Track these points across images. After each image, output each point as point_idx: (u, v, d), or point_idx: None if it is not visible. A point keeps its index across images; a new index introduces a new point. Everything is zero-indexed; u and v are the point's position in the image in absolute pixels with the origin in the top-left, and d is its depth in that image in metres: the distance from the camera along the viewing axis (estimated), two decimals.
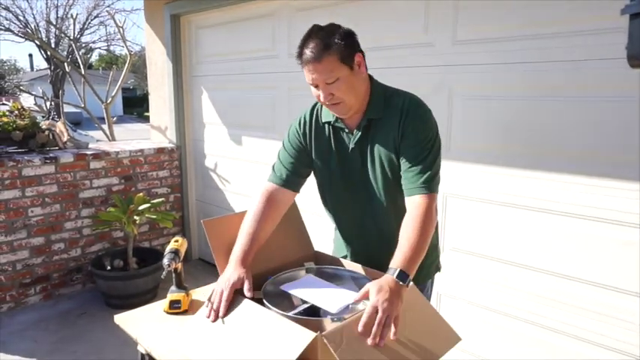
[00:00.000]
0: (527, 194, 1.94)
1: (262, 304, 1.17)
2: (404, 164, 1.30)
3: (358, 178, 1.41)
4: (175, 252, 1.32)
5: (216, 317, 1.14)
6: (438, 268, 1.59)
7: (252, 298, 1.18)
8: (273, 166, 1.49)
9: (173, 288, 1.38)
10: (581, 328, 1.86)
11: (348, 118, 1.37)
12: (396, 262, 1.14)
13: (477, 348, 2.17)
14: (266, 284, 1.29)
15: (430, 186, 1.26)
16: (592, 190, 1.77)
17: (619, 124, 1.68)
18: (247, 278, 1.22)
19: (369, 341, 1.00)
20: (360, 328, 1.01)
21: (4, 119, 3.05)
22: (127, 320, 1.30)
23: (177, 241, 1.38)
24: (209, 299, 1.18)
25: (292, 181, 1.44)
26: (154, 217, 3.03)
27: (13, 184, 2.87)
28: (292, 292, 1.25)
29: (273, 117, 3.04)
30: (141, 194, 3.10)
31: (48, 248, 3.06)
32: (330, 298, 1.21)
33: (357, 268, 1.39)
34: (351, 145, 1.38)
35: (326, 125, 1.42)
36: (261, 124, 3.14)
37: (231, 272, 1.22)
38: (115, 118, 5.28)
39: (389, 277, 1.11)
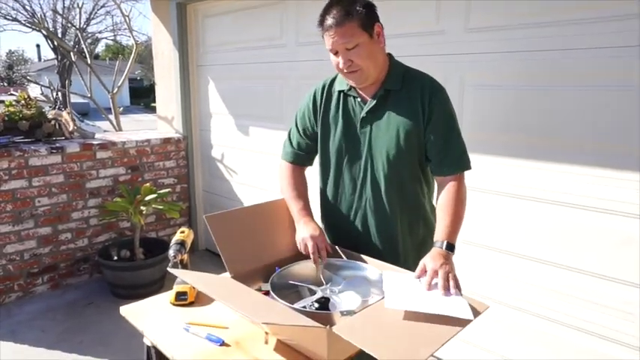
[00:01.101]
0: (533, 185, 1.91)
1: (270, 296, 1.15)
2: (434, 144, 1.34)
3: (363, 151, 1.41)
4: (181, 243, 1.30)
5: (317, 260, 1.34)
6: None
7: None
8: (285, 143, 1.58)
9: (179, 280, 1.36)
10: (581, 319, 1.85)
11: (363, 88, 1.40)
12: (442, 235, 1.26)
13: (477, 339, 2.14)
14: (273, 276, 1.27)
15: (463, 164, 1.36)
16: (597, 181, 1.75)
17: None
18: (323, 233, 1.39)
19: (442, 292, 1.11)
20: (425, 286, 1.14)
21: (11, 109, 3.04)
22: (132, 312, 1.29)
23: (183, 232, 1.36)
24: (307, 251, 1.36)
25: (302, 157, 1.56)
26: (161, 207, 3.02)
27: (20, 174, 2.86)
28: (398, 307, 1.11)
29: (281, 107, 3.00)
30: (147, 184, 3.09)
31: (55, 238, 3.06)
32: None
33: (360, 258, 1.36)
34: (363, 114, 1.39)
35: (338, 94, 1.45)
36: (269, 114, 3.10)
37: (305, 229, 1.38)
38: (121, 109, 5.27)
39: (438, 249, 1.22)
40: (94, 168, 3.19)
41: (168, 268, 1.13)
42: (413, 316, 1.05)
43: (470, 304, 1.10)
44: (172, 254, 1.27)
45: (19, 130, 3.01)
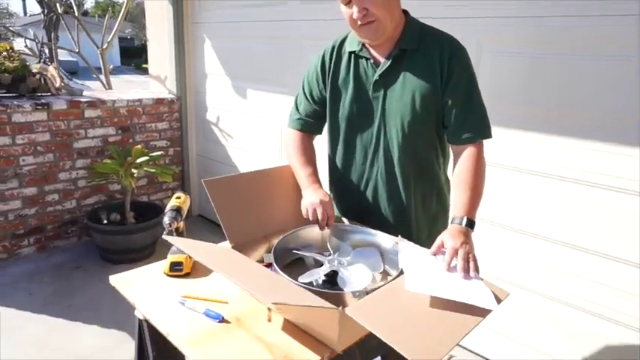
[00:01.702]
0: (539, 159, 1.84)
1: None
2: (452, 108, 1.25)
3: (376, 117, 1.30)
4: (177, 210, 1.19)
5: (325, 227, 1.25)
6: None
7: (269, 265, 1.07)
8: (291, 110, 1.46)
9: (174, 248, 1.26)
10: (582, 298, 1.82)
11: (376, 46, 1.28)
12: (461, 210, 1.17)
13: None
14: (276, 245, 1.16)
15: (483, 131, 1.26)
16: (616, 158, 1.67)
17: None
18: (332, 200, 1.29)
19: (461, 275, 1.03)
20: (445, 267, 1.05)
21: None
22: (123, 282, 1.18)
23: (179, 197, 1.25)
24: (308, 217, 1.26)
25: (310, 125, 1.44)
26: (153, 170, 2.89)
27: (3, 130, 2.70)
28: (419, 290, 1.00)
29: (282, 69, 2.84)
30: (139, 146, 2.95)
31: (41, 199, 2.93)
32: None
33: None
34: (376, 77, 1.27)
35: (349, 56, 1.33)
36: (268, 76, 2.94)
37: (315, 194, 1.27)
38: (111, 67, 5.03)
39: (458, 226, 1.14)
40: (82, 127, 3.02)
41: (163, 236, 1.03)
42: (432, 301, 0.96)
43: (491, 290, 1.01)
44: (167, 221, 1.16)
45: (0, 84, 2.82)
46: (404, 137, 1.27)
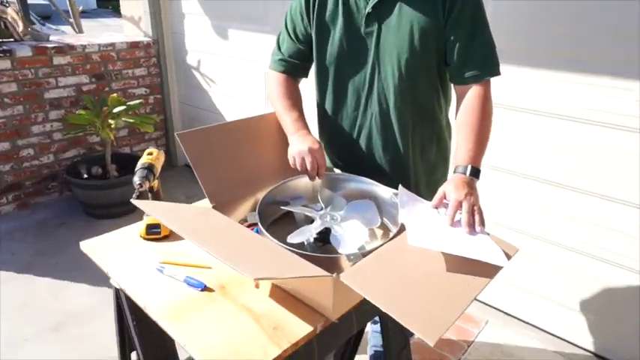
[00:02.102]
0: (535, 97, 1.74)
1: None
2: (456, 42, 1.10)
3: (369, 56, 1.15)
4: (149, 168, 1.06)
5: (315, 177, 1.14)
6: None
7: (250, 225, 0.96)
8: (273, 50, 1.31)
9: None
10: (580, 241, 1.77)
11: None
12: (465, 158, 1.05)
13: None
14: (261, 201, 1.05)
15: (490, 67, 1.12)
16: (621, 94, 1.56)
17: None
18: (322, 147, 1.15)
19: (465, 229, 0.93)
20: (448, 222, 0.95)
21: None
22: (95, 248, 1.08)
23: (151, 154, 1.11)
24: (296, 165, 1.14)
25: (295, 67, 1.28)
26: (132, 120, 2.72)
27: None
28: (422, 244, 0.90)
29: (266, 6, 2.60)
30: (115, 95, 2.75)
31: (15, 154, 2.77)
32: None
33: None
34: (368, 9, 1.11)
35: None
36: (250, 14, 2.70)
37: (303, 141, 1.14)
38: (80, 8, 4.66)
39: (461, 176, 1.03)
40: (51, 75, 2.80)
41: (131, 200, 0.91)
42: (436, 260, 0.86)
43: (499, 245, 0.92)
44: (137, 181, 1.03)
45: None
46: (400, 78, 1.13)
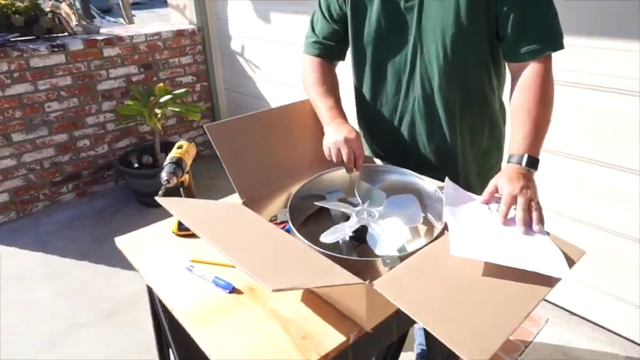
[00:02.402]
0: None
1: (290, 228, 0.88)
2: (510, 14, 0.95)
3: (410, 34, 1.04)
4: (177, 162, 1.02)
5: (352, 169, 1.05)
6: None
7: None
8: (307, 33, 1.23)
9: None
10: (578, 209, 1.69)
11: None
12: (520, 146, 0.93)
13: None
14: (293, 196, 0.99)
15: (552, 41, 0.97)
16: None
17: None
18: (360, 137, 1.06)
19: (520, 229, 0.82)
20: (500, 219, 0.85)
21: (2, 1, 2.68)
22: (129, 244, 1.07)
23: (180, 147, 1.08)
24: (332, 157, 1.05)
25: (330, 49, 1.19)
26: (177, 109, 2.74)
27: (23, 76, 2.60)
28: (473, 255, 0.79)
29: None
30: (161, 84, 2.78)
31: (73, 145, 2.89)
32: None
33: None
34: None
35: None
36: None
37: (338, 130, 1.04)
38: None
39: (516, 166, 0.91)
40: (102, 67, 2.88)
41: (156, 197, 0.87)
42: (484, 269, 0.76)
43: (560, 249, 0.80)
44: (165, 177, 1.00)
45: (14, 27, 2.68)
46: (445, 57, 1.01)
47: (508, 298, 0.71)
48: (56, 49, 2.66)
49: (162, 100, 2.68)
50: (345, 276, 0.72)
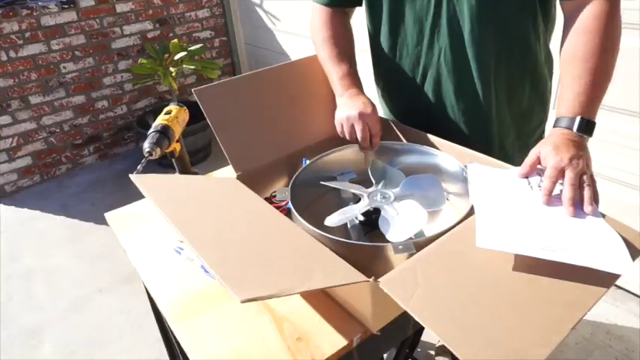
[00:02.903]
0: None
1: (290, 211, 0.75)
2: None
3: None
4: (162, 131, 0.90)
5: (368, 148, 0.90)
6: (540, 139, 1.07)
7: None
8: None
9: (193, 169, 1.01)
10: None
11: None
12: (572, 105, 0.75)
13: None
14: (297, 175, 0.85)
15: None
16: None
17: None
18: (376, 111, 0.90)
19: (567, 211, 0.66)
20: (542, 199, 0.68)
21: None
22: (119, 219, 0.99)
23: (169, 112, 0.95)
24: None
25: None
26: (193, 67, 2.61)
27: (35, 36, 2.51)
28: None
29: None
30: (176, 41, 2.64)
31: (91, 107, 2.83)
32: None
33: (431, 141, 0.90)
34: None
35: None
36: None
37: (352, 104, 0.89)
38: None
39: (565, 131, 0.74)
40: (116, 24, 2.75)
41: (131, 175, 0.76)
42: (518, 263, 0.61)
43: (620, 235, 0.63)
44: (147, 149, 0.88)
45: None
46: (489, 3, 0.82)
47: (549, 304, 0.56)
48: (66, 6, 2.55)
49: (177, 57, 2.55)
50: (344, 272, 0.59)
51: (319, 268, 0.59)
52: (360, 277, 0.59)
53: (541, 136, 1.06)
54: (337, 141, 0.94)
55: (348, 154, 0.93)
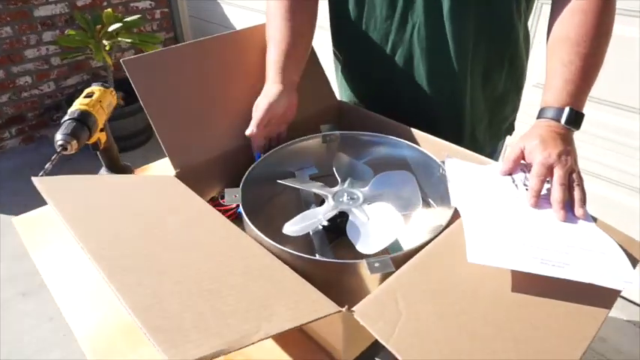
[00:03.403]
0: None
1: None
2: None
3: None
4: (80, 119, 0.73)
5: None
6: (510, 129, 1.01)
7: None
8: None
9: (103, 171, 0.84)
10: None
11: None
12: (560, 95, 0.66)
13: None
14: (250, 172, 0.72)
15: None
16: None
17: None
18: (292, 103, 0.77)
19: (558, 215, 0.58)
20: (530, 200, 0.60)
21: None
22: (28, 225, 0.81)
23: (90, 95, 0.77)
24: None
25: None
26: (129, 40, 2.35)
27: None
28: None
29: None
30: (110, 10, 2.36)
31: (12, 83, 2.50)
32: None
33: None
34: None
35: None
36: None
37: (264, 92, 0.77)
38: None
39: (551, 123, 0.65)
40: None
41: (33, 178, 0.60)
42: (514, 281, 0.52)
43: (618, 243, 0.56)
44: (60, 141, 0.71)
45: None
46: None
47: (551, 335, 0.47)
48: None
49: (111, 29, 2.28)
50: (310, 301, 0.47)
51: (279, 298, 0.47)
52: (330, 306, 0.48)
53: (512, 126, 0.99)
54: (298, 131, 0.80)
55: (307, 145, 0.80)
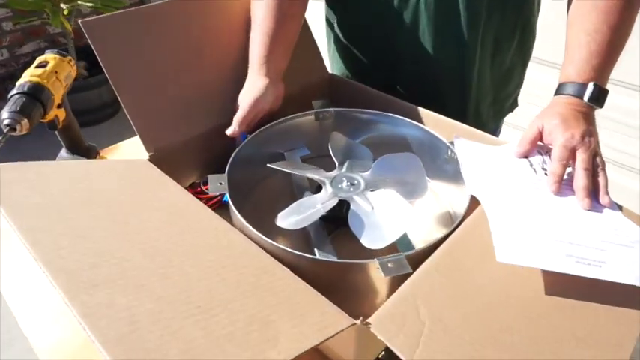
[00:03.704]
0: None
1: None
2: None
3: None
4: (31, 93, 0.61)
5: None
6: (513, 105, 0.95)
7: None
8: None
9: (63, 154, 0.74)
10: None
11: None
12: (584, 69, 0.59)
13: None
14: (236, 153, 0.63)
15: None
16: None
17: None
18: (277, 93, 0.69)
19: (582, 203, 0.52)
20: (552, 187, 0.53)
21: None
22: None
23: (43, 64, 0.66)
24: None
25: None
26: (91, 4, 2.15)
27: None
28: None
29: None
30: None
31: None
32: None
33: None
34: None
35: None
36: None
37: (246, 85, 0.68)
38: None
39: (573, 100, 0.58)
40: None
41: None
42: (547, 283, 0.46)
43: None
44: (6, 120, 0.60)
45: None
46: None
47: (592, 347, 0.42)
48: None
49: None
50: (318, 314, 0.40)
51: (282, 311, 0.39)
52: (343, 319, 0.40)
53: (515, 102, 0.93)
54: (284, 107, 0.71)
55: (298, 124, 0.72)
